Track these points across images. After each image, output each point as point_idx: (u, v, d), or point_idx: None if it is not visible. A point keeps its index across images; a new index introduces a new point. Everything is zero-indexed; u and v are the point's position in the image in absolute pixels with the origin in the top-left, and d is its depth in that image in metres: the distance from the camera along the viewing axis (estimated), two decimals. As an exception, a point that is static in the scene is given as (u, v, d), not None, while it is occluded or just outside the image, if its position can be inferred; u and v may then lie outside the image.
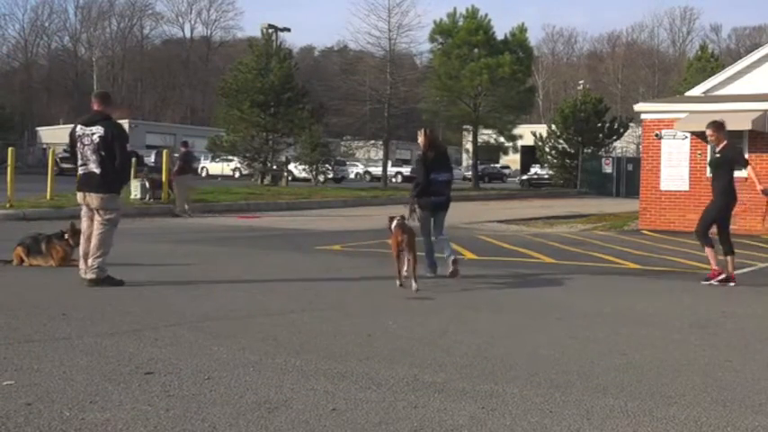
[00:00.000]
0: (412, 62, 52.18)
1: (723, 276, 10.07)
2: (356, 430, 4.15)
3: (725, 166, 10.39)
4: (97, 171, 8.73)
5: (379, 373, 5.22)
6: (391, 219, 9.51)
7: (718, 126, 10.25)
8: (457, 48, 43.86)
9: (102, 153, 8.68)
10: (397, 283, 9.06)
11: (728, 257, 10.21)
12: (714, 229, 10.43)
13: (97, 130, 8.72)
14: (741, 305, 8.73)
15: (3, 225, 16.32)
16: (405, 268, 9.15)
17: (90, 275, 8.67)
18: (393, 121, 42.30)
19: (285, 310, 7.67)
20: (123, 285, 8.64)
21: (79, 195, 8.99)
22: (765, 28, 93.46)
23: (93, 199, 8.80)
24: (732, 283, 10.01)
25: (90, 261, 8.70)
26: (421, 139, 10.16)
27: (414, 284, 8.78)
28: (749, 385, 5.21)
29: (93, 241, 8.73)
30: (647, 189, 20.07)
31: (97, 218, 8.82)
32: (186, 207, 20.75)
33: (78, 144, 8.83)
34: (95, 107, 8.98)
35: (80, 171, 8.89)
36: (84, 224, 9.04)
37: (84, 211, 9.05)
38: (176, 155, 22.54)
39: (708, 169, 18.71)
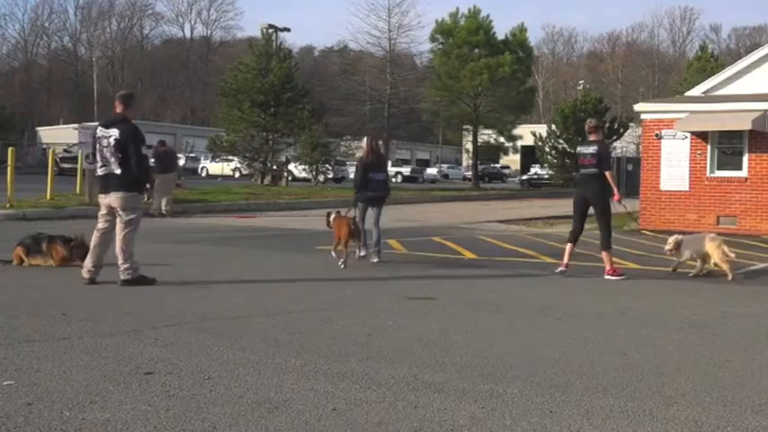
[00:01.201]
0: (412, 62, 52.25)
1: (612, 273, 10.69)
2: (356, 430, 4.15)
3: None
4: (117, 171, 8.85)
5: (379, 373, 5.22)
6: (329, 214, 11.70)
7: (596, 125, 11.05)
8: (457, 48, 43.89)
9: (119, 155, 8.81)
10: (342, 266, 10.70)
11: (606, 253, 10.81)
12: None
13: (113, 133, 8.85)
14: (741, 305, 8.74)
15: (3, 225, 16.31)
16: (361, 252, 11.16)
17: (123, 276, 8.77)
18: (393, 121, 42.34)
19: (285, 310, 7.67)
20: (155, 284, 8.74)
21: (100, 197, 9.13)
22: (765, 28, 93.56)
23: (114, 199, 8.91)
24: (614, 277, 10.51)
25: (120, 264, 8.78)
26: (364, 146, 12.20)
27: (361, 252, 10.93)
28: (749, 385, 5.21)
29: (118, 244, 8.83)
30: (647, 189, 20.08)
31: (119, 219, 8.92)
32: (164, 207, 20.45)
33: (98, 146, 8.97)
34: (117, 109, 9.10)
35: (99, 172, 9.03)
36: (99, 224, 9.11)
37: (102, 212, 9.12)
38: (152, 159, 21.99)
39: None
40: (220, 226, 18.15)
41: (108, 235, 9.02)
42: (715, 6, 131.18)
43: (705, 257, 11.12)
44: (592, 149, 10.79)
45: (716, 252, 10.91)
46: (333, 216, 11.56)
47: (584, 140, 11.02)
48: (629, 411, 4.55)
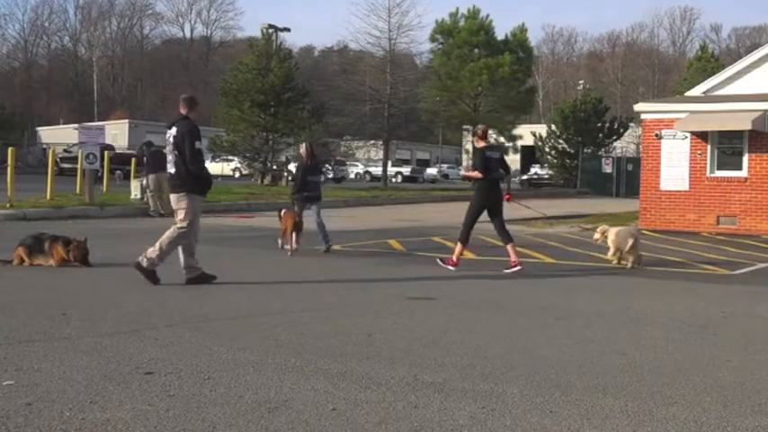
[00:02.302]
0: (412, 62, 52.20)
1: (449, 263, 11.07)
2: (356, 430, 4.15)
3: (485, 165, 11.14)
4: (173, 171, 9.00)
5: (379, 373, 5.22)
6: (280, 210, 13.59)
7: (483, 132, 11.57)
8: (457, 48, 43.86)
9: (176, 152, 8.93)
10: (289, 253, 12.35)
11: (509, 246, 11.16)
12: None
13: (172, 131, 9.01)
14: (741, 305, 8.74)
15: (3, 225, 16.31)
16: (294, 245, 12.45)
17: (139, 260, 8.84)
18: (393, 121, 42.28)
19: (285, 310, 7.67)
20: (158, 284, 8.76)
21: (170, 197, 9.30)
22: (765, 28, 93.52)
23: (171, 198, 9.08)
24: (516, 268, 10.81)
25: (148, 250, 8.84)
26: (303, 151, 13.84)
27: (295, 246, 12.40)
28: (749, 385, 5.20)
29: (165, 236, 8.90)
30: (647, 189, 20.07)
31: (175, 216, 9.04)
32: (159, 206, 20.44)
33: (166, 148, 9.17)
34: (181, 110, 9.27)
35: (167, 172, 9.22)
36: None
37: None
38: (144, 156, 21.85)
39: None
40: (220, 226, 18.15)
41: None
42: (715, 6, 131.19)
43: (619, 246, 11.86)
44: (498, 155, 11.40)
45: (625, 244, 11.77)
46: (283, 211, 13.23)
47: (489, 147, 11.42)
48: (629, 411, 4.55)
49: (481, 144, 11.32)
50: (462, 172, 11.72)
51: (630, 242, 11.78)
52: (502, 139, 47.92)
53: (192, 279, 8.99)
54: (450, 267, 10.98)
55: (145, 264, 8.82)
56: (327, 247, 13.06)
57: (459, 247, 11.21)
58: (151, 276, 8.83)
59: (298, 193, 13.60)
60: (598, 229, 12.37)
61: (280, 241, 13.07)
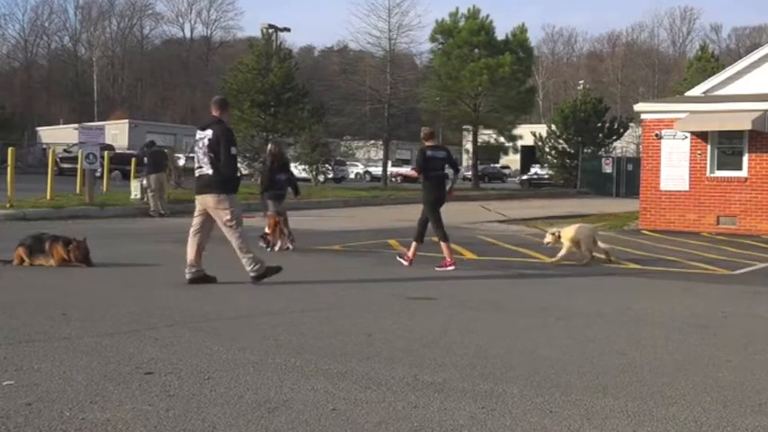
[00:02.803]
0: (412, 62, 52.19)
1: (404, 261, 11.35)
2: (356, 430, 4.15)
3: (426, 164, 11.42)
4: (209, 172, 9.04)
5: (379, 373, 5.22)
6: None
7: (428, 133, 11.78)
8: (457, 48, 43.84)
9: (212, 155, 8.99)
10: (276, 248, 13.01)
11: (443, 243, 11.22)
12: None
13: (207, 134, 9.06)
14: (741, 305, 8.74)
15: (3, 225, 16.31)
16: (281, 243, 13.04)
17: (253, 274, 9.03)
18: (393, 121, 42.28)
19: (285, 310, 7.67)
20: (281, 271, 9.21)
21: (196, 197, 9.35)
22: (765, 28, 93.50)
23: (209, 200, 9.11)
24: (451, 267, 10.90)
25: (243, 263, 9.05)
26: (270, 152, 14.72)
27: (291, 246, 13.03)
28: (749, 385, 5.20)
29: (233, 244, 9.09)
30: (647, 189, 20.07)
31: (218, 220, 9.13)
32: (159, 206, 20.45)
33: (195, 148, 9.24)
34: (213, 112, 9.35)
35: (196, 173, 9.26)
36: (194, 221, 9.33)
37: (196, 213, 9.35)
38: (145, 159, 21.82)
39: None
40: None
41: (199, 234, 9.22)
42: (715, 6, 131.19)
43: (579, 245, 12.09)
44: (443, 154, 11.62)
45: (583, 239, 12.04)
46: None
47: (433, 147, 11.64)
48: (629, 411, 4.55)
49: (426, 144, 11.59)
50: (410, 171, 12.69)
51: (591, 239, 11.98)
52: (502, 139, 47.99)
53: (195, 279, 9.02)
54: (405, 262, 11.24)
55: (256, 273, 9.04)
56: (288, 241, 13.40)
57: (414, 245, 11.38)
58: (271, 272, 9.13)
59: (266, 191, 14.20)
60: (549, 231, 12.37)
61: (263, 244, 13.27)
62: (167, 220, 19.52)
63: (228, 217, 9.06)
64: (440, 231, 11.29)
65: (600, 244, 12.28)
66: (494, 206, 18.48)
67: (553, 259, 12.00)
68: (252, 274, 9.05)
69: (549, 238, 12.26)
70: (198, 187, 9.24)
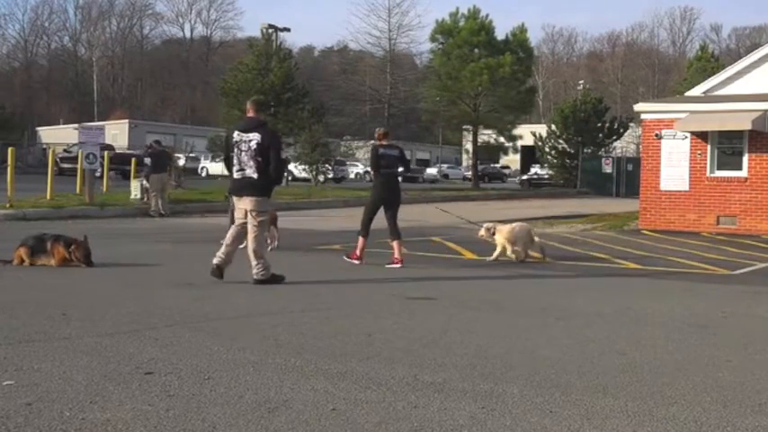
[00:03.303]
0: (412, 62, 52.25)
1: (353, 257, 11.49)
2: (356, 430, 4.15)
3: (380, 162, 11.62)
4: (254, 176, 9.08)
5: (379, 373, 5.22)
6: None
7: (382, 133, 11.87)
8: (457, 48, 43.84)
9: (259, 159, 9.02)
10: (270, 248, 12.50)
11: (395, 242, 11.44)
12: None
13: (254, 137, 9.06)
14: (741, 305, 8.74)
15: (3, 225, 16.31)
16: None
17: (257, 277, 9.07)
18: (393, 121, 42.35)
19: (285, 310, 7.67)
20: (284, 281, 9.17)
21: (235, 198, 9.44)
22: (765, 28, 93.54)
23: (248, 202, 9.16)
24: (397, 266, 11.08)
25: (253, 265, 9.09)
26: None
27: (275, 243, 12.99)
28: (749, 385, 5.20)
29: (250, 246, 9.14)
30: (647, 189, 20.07)
31: (250, 220, 9.17)
32: (160, 206, 20.45)
33: (235, 149, 9.17)
34: (250, 113, 9.40)
35: (236, 175, 9.23)
36: (237, 222, 9.41)
37: (238, 215, 9.41)
38: (146, 158, 21.81)
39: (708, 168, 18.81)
40: (220, 226, 18.11)
41: (243, 234, 9.31)
42: (715, 6, 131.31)
43: (515, 243, 12.20)
44: (396, 152, 11.84)
45: (519, 239, 12.17)
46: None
47: (386, 146, 11.81)
48: (629, 411, 4.55)
49: (379, 142, 11.79)
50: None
51: (527, 238, 12.15)
52: (502, 139, 47.99)
53: (219, 267, 9.15)
54: (355, 261, 11.31)
55: (262, 276, 9.07)
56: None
57: (361, 241, 11.51)
58: (275, 279, 9.15)
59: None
60: (484, 226, 12.44)
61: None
62: (167, 220, 19.52)
63: (261, 219, 9.21)
64: (363, 230, 11.55)
65: (536, 240, 12.38)
66: (493, 206, 18.46)
67: (489, 258, 12.11)
68: (255, 276, 9.09)
69: (482, 232, 12.40)
70: (237, 188, 9.29)
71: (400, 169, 11.93)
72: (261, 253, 9.19)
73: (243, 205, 9.23)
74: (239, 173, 9.15)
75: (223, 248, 9.25)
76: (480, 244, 13.07)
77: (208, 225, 18.30)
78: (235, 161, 9.17)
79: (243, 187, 9.17)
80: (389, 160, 11.63)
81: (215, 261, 9.15)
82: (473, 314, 7.67)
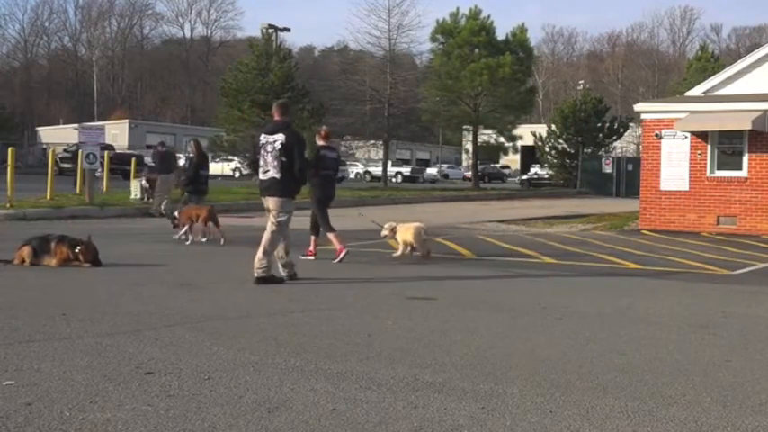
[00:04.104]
0: (412, 62, 52.17)
1: (308, 256, 11.84)
2: (356, 430, 4.15)
3: (318, 162, 11.91)
4: (278, 176, 9.30)
5: (379, 373, 5.22)
6: (179, 211, 14.70)
7: (326, 133, 12.38)
8: (458, 48, 43.81)
9: (283, 159, 9.25)
10: (187, 237, 13.96)
11: (331, 235, 11.76)
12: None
13: (279, 138, 9.32)
14: (741, 305, 8.74)
15: (3, 225, 16.31)
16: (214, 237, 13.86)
17: (257, 274, 9.16)
18: (393, 121, 42.27)
19: (285, 310, 7.67)
20: (283, 283, 9.23)
21: (263, 199, 9.63)
22: (765, 28, 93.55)
23: (271, 202, 9.38)
24: (343, 253, 11.42)
25: (256, 260, 9.20)
26: (192, 149, 16.06)
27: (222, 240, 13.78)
28: (749, 385, 5.20)
29: (263, 241, 9.26)
30: (647, 189, 20.07)
31: (271, 218, 9.36)
32: (162, 207, 20.46)
33: (261, 151, 9.43)
34: (276, 116, 9.65)
35: (262, 176, 9.48)
36: (269, 225, 9.52)
37: (267, 211, 9.57)
38: (151, 159, 22.00)
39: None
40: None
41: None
42: (715, 6, 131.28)
43: (408, 243, 12.44)
44: (334, 155, 12.35)
45: (415, 239, 12.35)
46: (191, 206, 14.63)
47: (327, 147, 12.22)
48: (629, 411, 4.55)
49: (320, 143, 12.15)
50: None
51: (422, 238, 12.41)
52: (502, 139, 47.97)
53: (290, 273, 9.45)
54: (310, 257, 11.70)
55: (263, 273, 9.15)
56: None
57: (333, 237, 11.72)
58: (273, 281, 9.20)
59: (189, 185, 15.43)
60: (386, 226, 12.81)
61: (182, 235, 14.02)
62: (166, 220, 19.48)
63: (282, 219, 9.35)
64: (326, 225, 11.83)
65: (425, 239, 12.62)
66: (493, 206, 18.48)
67: (395, 255, 12.36)
68: (256, 274, 9.17)
69: (385, 232, 12.79)
70: (263, 189, 9.53)
71: (339, 176, 12.51)
72: (270, 251, 9.29)
73: (267, 203, 9.47)
74: (264, 174, 9.41)
75: (278, 255, 9.45)
76: (480, 244, 13.10)
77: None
78: (261, 162, 9.45)
79: (268, 187, 9.43)
80: (328, 163, 12.06)
81: (256, 275, 9.19)
82: (473, 314, 7.67)
